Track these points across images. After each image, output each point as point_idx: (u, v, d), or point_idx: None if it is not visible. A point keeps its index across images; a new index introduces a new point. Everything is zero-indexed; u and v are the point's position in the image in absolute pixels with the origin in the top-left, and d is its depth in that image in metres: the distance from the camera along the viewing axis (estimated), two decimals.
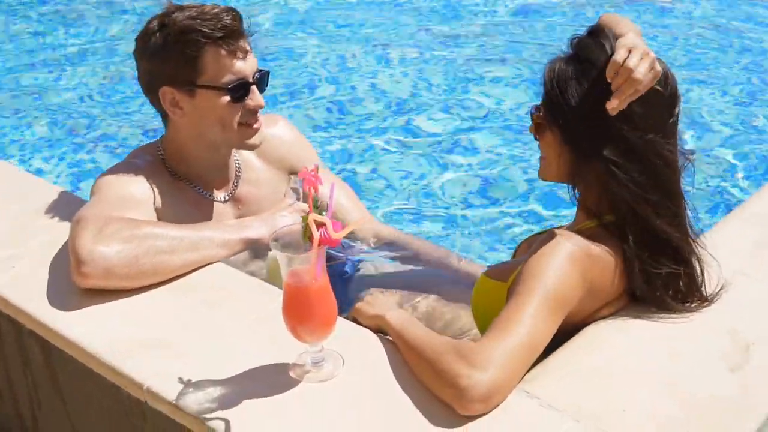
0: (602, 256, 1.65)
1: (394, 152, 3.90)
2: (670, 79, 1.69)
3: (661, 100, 1.66)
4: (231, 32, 1.99)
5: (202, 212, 2.16)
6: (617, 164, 1.63)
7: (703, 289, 1.75)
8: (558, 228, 1.76)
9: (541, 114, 1.73)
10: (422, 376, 1.54)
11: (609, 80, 1.59)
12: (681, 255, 1.70)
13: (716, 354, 1.64)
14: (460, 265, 2.41)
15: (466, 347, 1.48)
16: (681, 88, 1.73)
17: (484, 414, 1.45)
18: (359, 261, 2.46)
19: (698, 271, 1.74)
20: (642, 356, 1.65)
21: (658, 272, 1.69)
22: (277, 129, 2.36)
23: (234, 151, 2.20)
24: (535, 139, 1.76)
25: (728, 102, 4.38)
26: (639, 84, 1.57)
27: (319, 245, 1.45)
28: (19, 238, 2.08)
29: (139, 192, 2.04)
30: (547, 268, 1.58)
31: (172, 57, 1.98)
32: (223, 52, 1.98)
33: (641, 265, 1.68)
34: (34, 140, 4.11)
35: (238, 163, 2.25)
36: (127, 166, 2.15)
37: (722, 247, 1.97)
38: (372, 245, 2.46)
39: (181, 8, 2.01)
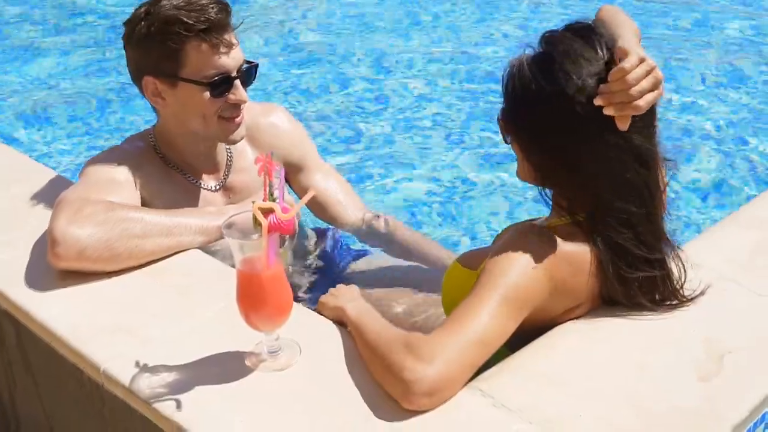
0: (572, 254, 1.59)
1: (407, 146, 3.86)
2: None
3: None
4: (215, 25, 1.95)
5: (192, 200, 2.16)
6: (582, 171, 1.56)
7: (681, 289, 1.67)
8: (530, 221, 1.71)
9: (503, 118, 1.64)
10: (372, 368, 1.51)
11: (610, 80, 1.46)
12: (655, 258, 1.63)
13: (688, 362, 1.57)
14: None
15: (415, 340, 1.44)
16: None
17: (430, 409, 1.42)
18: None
19: (675, 273, 1.67)
20: (608, 360, 1.59)
21: (632, 276, 1.62)
22: (273, 118, 2.34)
23: None
24: (506, 142, 1.66)
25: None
26: (630, 99, 1.45)
27: (269, 232, 1.43)
28: (9, 221, 2.10)
29: (123, 176, 2.04)
30: (511, 264, 1.53)
31: (154, 48, 1.97)
32: (205, 46, 1.95)
33: (615, 268, 1.61)
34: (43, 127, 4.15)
35: (230, 152, 2.24)
36: (116, 152, 2.16)
37: (716, 253, 1.91)
38: (363, 236, 2.44)
39: None
